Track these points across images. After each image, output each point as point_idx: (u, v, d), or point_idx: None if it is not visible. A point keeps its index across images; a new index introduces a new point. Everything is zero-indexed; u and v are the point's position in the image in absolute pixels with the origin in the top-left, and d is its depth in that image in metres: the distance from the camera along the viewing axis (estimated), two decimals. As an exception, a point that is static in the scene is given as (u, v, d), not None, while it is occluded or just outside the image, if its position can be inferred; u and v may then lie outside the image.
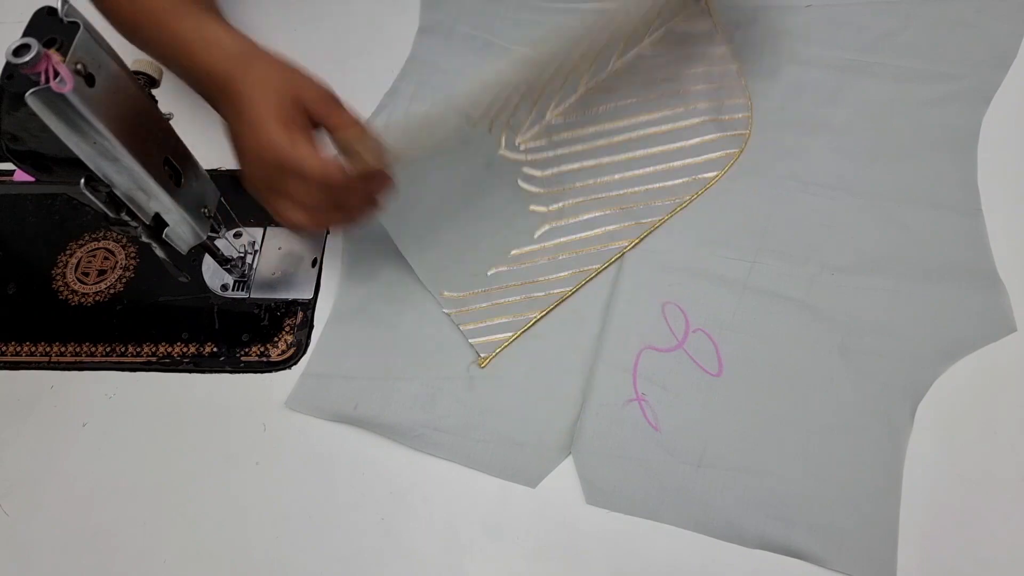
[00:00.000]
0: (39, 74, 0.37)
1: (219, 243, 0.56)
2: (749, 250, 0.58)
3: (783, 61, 0.66)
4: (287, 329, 0.59)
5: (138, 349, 0.59)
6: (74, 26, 0.39)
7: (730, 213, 0.60)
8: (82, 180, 0.44)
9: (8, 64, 0.37)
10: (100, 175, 0.43)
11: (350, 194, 0.49)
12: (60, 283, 0.62)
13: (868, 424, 0.51)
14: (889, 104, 0.64)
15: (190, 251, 0.53)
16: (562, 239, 0.60)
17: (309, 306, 0.60)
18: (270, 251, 0.62)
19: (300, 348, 0.58)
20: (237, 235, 0.62)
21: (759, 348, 0.54)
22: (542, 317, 0.57)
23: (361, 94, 0.61)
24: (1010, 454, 0.50)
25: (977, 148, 0.61)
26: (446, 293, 0.58)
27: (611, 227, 0.60)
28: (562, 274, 0.58)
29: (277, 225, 0.63)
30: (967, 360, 0.53)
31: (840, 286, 0.56)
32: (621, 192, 0.62)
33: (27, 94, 0.37)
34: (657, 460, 0.51)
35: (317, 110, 0.48)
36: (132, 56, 0.46)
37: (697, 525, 0.49)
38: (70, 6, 0.39)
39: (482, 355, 0.55)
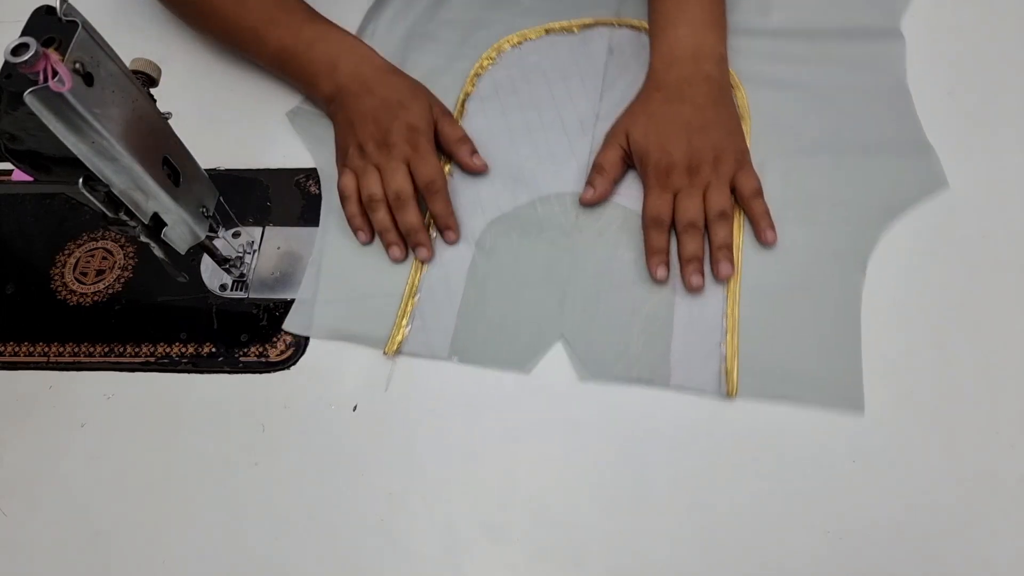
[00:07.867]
0: (37, 73, 0.37)
1: (218, 243, 0.56)
2: None
3: None
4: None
5: (137, 349, 0.59)
6: (72, 25, 0.39)
7: None
8: (80, 180, 0.44)
9: (6, 63, 0.37)
10: (98, 175, 0.43)
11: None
12: (59, 283, 0.62)
13: (826, 279, 0.57)
14: (817, 5, 0.70)
15: (189, 251, 0.53)
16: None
17: (308, 306, 0.60)
18: (269, 251, 0.62)
19: (299, 348, 0.58)
20: (236, 235, 0.62)
21: None
22: None
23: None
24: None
25: (903, 34, 0.67)
26: None
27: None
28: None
29: (276, 225, 0.63)
30: (908, 215, 0.59)
31: (790, 168, 0.62)
32: None
33: (25, 93, 0.37)
34: (644, 335, 0.56)
35: None
36: (131, 55, 0.46)
37: (684, 384, 0.54)
38: (69, 5, 0.39)
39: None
